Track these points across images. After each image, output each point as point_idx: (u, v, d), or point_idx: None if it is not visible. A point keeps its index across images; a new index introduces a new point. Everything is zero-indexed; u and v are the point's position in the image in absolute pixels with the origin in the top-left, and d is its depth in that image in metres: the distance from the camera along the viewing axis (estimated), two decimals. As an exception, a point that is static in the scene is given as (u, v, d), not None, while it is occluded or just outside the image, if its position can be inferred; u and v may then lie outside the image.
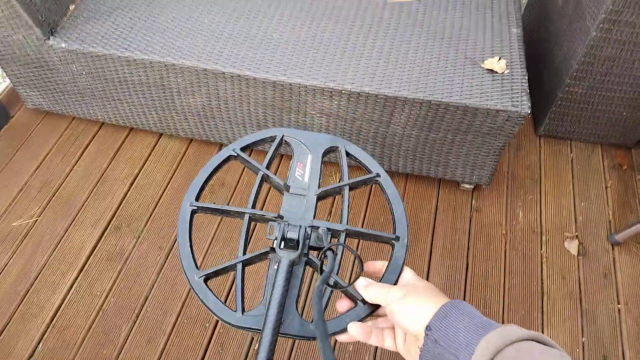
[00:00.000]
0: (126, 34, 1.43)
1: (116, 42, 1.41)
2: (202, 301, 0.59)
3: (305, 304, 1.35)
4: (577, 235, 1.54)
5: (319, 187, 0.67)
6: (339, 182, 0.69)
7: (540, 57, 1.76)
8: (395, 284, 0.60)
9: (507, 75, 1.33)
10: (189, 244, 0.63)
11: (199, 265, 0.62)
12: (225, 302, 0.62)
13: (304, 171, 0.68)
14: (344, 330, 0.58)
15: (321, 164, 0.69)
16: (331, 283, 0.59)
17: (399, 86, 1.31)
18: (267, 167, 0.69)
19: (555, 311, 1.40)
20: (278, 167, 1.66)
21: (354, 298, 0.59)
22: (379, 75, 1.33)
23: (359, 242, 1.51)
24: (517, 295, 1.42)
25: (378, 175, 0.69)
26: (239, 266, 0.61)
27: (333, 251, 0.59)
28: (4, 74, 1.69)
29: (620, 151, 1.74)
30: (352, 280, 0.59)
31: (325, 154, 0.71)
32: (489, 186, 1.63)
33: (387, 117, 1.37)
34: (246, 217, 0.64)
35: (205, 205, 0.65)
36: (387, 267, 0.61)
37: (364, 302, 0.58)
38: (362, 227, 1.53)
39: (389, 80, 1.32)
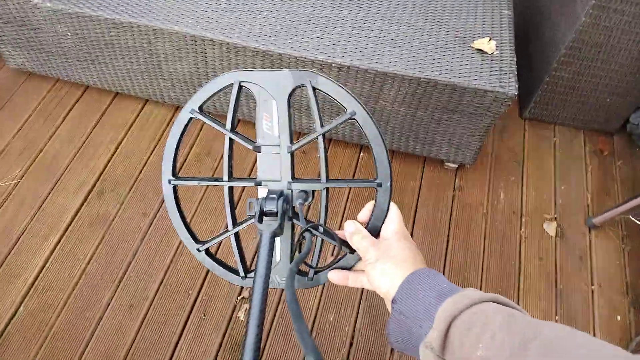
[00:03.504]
0: (114, -4, 1.40)
1: (103, 3, 1.38)
2: (210, 269, 0.66)
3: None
4: (555, 218, 1.57)
5: (290, 139, 0.62)
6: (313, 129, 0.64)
7: (528, 41, 1.77)
8: (380, 230, 0.60)
9: (496, 56, 1.34)
10: (181, 220, 0.65)
11: (198, 230, 0.64)
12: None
13: (272, 123, 0.62)
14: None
15: (288, 109, 0.62)
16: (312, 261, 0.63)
17: (390, 62, 1.31)
18: (233, 125, 0.64)
19: (531, 290, 1.43)
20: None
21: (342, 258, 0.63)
22: (369, 51, 1.33)
23: (350, 189, 1.55)
24: (495, 273, 1.45)
25: (354, 112, 0.60)
26: (232, 237, 0.65)
27: (311, 232, 0.60)
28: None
29: (602, 137, 1.77)
30: (335, 256, 0.63)
31: (291, 94, 0.62)
32: (473, 166, 1.65)
33: (376, 93, 1.37)
34: (225, 188, 0.64)
35: (184, 180, 0.66)
36: (372, 214, 0.61)
37: (353, 251, 0.61)
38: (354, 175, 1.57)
39: (379, 56, 1.32)
